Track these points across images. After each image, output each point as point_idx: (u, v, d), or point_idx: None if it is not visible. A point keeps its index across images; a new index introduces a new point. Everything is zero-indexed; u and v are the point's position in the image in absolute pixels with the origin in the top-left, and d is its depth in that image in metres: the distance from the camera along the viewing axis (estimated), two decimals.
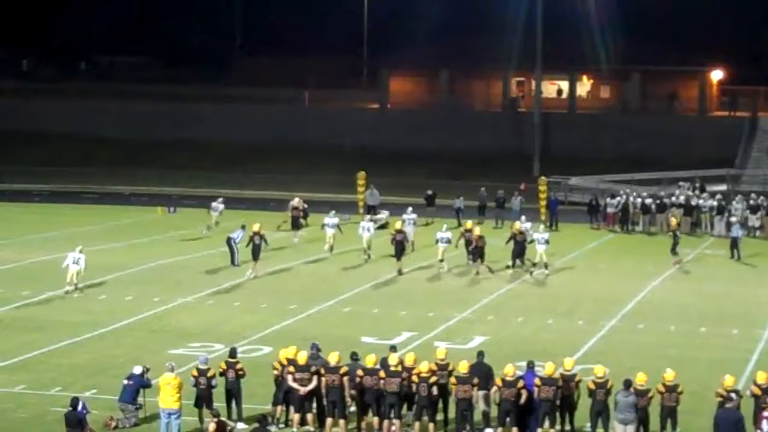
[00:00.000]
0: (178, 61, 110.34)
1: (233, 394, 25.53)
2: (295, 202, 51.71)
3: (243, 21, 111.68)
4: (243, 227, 44.50)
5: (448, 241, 43.62)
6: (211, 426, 22.74)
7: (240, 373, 25.51)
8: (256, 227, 42.04)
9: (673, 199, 55.38)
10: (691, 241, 52.28)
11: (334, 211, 48.57)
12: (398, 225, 44.88)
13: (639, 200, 55.29)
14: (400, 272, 42.96)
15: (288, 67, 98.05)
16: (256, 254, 41.59)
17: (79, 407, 24.92)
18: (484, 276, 42.41)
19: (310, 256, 46.76)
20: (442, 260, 43.56)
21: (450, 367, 25.09)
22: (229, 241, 44.08)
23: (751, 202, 54.67)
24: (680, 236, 47.02)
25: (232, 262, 43.83)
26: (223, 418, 23.32)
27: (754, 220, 54.09)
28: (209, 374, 24.91)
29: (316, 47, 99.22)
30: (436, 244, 43.90)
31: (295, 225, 50.25)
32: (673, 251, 46.21)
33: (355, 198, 59.05)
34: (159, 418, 24.47)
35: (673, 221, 48.46)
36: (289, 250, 47.62)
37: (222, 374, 25.49)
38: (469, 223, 45.72)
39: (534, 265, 43.48)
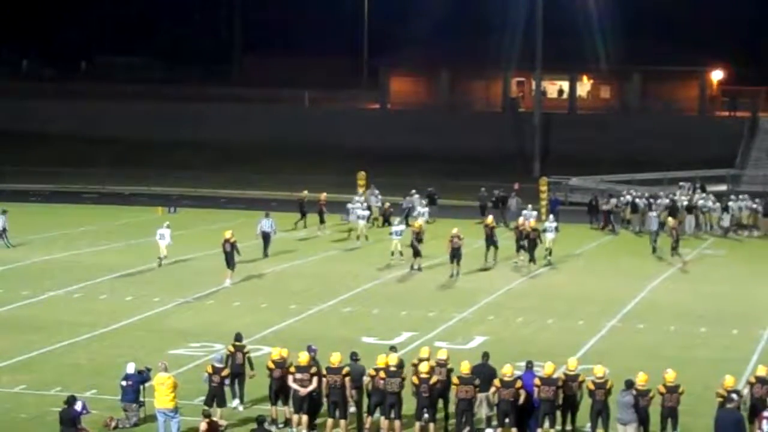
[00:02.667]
0: (178, 61, 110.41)
1: (239, 377, 26.08)
2: (322, 197, 53.23)
3: (243, 21, 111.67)
4: (267, 215, 46.98)
5: (401, 234, 45.46)
6: (202, 426, 22.76)
7: (248, 356, 26.27)
8: (227, 234, 41.38)
9: (659, 201, 55.17)
10: (691, 242, 52.31)
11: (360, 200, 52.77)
12: (418, 224, 45.21)
13: (628, 199, 55.18)
14: (418, 268, 43.31)
15: (288, 67, 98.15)
16: (229, 262, 40.84)
17: (79, 407, 24.93)
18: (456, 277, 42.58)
19: (310, 257, 46.81)
20: (399, 252, 45.16)
21: (448, 365, 25.23)
22: (263, 234, 46.04)
23: (714, 202, 54.62)
24: (679, 236, 46.85)
25: (265, 253, 45.69)
26: (214, 419, 23.32)
27: (725, 220, 53.96)
28: (223, 374, 24.95)
29: (316, 47, 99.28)
30: (390, 236, 45.84)
31: (321, 219, 52.18)
32: (673, 250, 46.11)
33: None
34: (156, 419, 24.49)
35: (671, 221, 48.19)
36: (289, 251, 47.60)
37: (230, 356, 26.07)
38: (489, 219, 46.50)
39: (550, 253, 45.67)
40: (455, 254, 42.46)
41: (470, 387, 24.25)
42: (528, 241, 44.43)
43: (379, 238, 49.71)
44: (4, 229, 47.37)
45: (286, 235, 51.08)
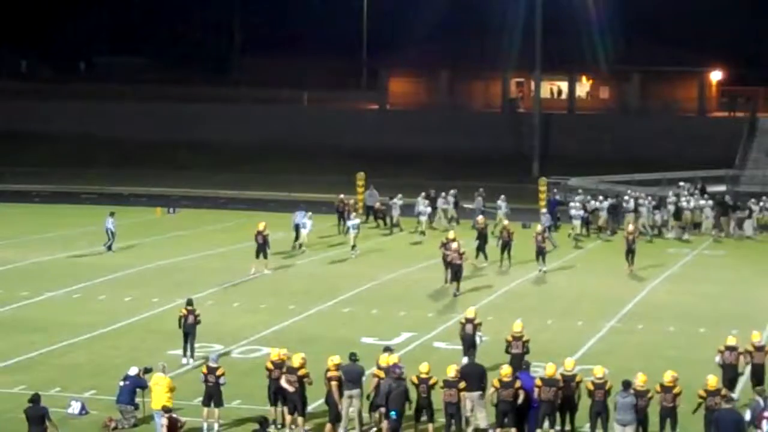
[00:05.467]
0: (177, 61, 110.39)
1: (190, 335, 30.02)
2: (353, 201, 54.24)
3: (242, 21, 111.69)
4: (301, 207, 49.19)
5: (358, 228, 46.97)
6: (164, 421, 22.76)
7: (198, 318, 30.08)
8: (261, 226, 42.46)
9: (641, 201, 54.94)
10: (691, 242, 52.36)
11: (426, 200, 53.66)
12: (451, 234, 43.17)
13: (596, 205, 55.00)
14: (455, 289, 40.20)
15: (288, 67, 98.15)
16: (259, 252, 42.19)
17: (78, 408, 24.99)
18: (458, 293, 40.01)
19: (310, 257, 46.79)
20: (354, 246, 46.40)
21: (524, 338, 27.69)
22: (296, 226, 47.61)
23: (650, 201, 54.78)
24: (636, 242, 44.66)
25: (295, 245, 47.47)
26: (174, 415, 23.31)
27: (654, 219, 53.79)
28: (218, 372, 24.98)
29: (316, 47, 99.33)
30: (347, 231, 47.18)
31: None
32: (627, 254, 44.09)
33: (355, 199, 59.00)
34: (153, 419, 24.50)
35: (630, 227, 46.36)
36: (288, 252, 47.56)
37: (183, 318, 29.91)
38: (506, 222, 46.45)
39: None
40: (456, 271, 39.59)
41: (454, 390, 24.21)
42: (480, 237, 44.94)
43: (377, 238, 49.80)
44: (113, 232, 46.98)
45: (322, 240, 50.89)
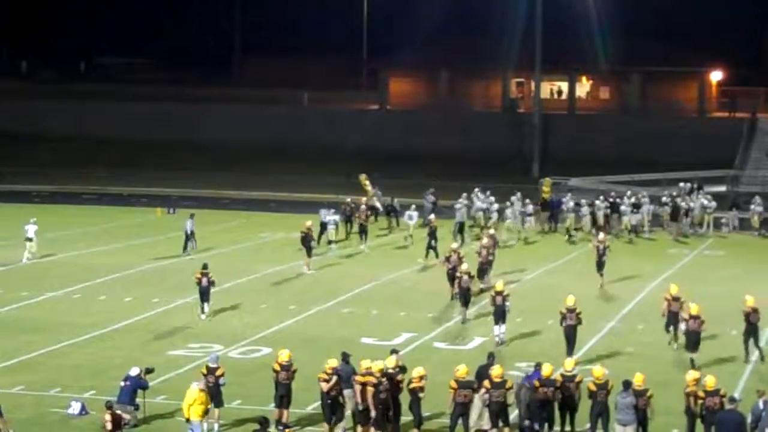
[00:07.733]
0: (178, 62, 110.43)
1: (205, 295, 34.77)
2: (362, 205, 51.82)
3: (243, 22, 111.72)
4: (328, 207, 49.79)
5: (336, 224, 47.91)
6: (107, 416, 22.66)
7: (211, 280, 34.84)
8: (308, 224, 43.80)
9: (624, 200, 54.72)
10: (691, 243, 52.36)
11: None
12: (455, 245, 42.16)
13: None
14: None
15: (288, 68, 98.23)
16: (308, 249, 43.53)
17: (79, 408, 24.87)
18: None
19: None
20: (330, 242, 47.45)
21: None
22: (321, 223, 48.05)
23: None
24: (606, 253, 41.77)
25: (325, 241, 47.90)
26: (117, 411, 23.16)
27: (637, 219, 53.58)
28: (218, 373, 24.91)
29: (316, 47, 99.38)
30: (327, 226, 47.94)
31: (361, 227, 49.63)
32: (597, 267, 41.61)
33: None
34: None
35: (601, 235, 43.73)
36: (288, 252, 47.56)
37: (198, 280, 34.19)
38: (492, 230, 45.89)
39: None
40: (465, 295, 35.93)
41: (468, 391, 24.14)
42: (431, 236, 45.22)
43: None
44: (192, 233, 46.81)
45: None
